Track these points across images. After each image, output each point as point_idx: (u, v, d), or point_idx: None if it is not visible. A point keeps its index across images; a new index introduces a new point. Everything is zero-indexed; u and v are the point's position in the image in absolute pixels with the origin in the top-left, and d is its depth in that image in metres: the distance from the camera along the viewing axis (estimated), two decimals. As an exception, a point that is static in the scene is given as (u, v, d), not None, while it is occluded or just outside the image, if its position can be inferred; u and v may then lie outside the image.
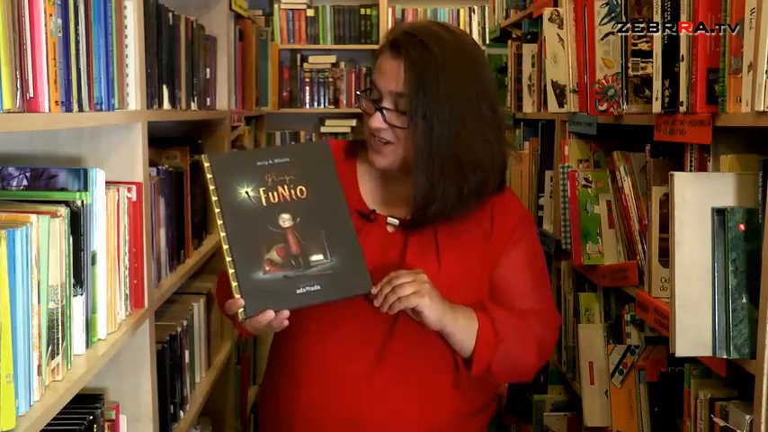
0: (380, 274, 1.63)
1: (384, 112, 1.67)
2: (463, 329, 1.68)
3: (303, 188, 1.62)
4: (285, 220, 1.60)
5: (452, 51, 1.66)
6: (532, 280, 1.80)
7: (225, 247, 1.57)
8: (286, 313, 1.58)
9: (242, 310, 1.56)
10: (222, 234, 1.57)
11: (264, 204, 1.60)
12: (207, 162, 1.61)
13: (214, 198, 1.59)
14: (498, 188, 1.77)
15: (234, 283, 1.56)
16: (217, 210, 1.58)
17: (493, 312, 1.71)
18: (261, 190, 1.60)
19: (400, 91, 1.65)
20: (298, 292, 1.58)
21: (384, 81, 1.68)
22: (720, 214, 1.61)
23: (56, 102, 1.39)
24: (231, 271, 1.56)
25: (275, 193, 1.61)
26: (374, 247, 1.71)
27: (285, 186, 1.62)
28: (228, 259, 1.57)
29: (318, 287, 1.58)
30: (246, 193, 1.60)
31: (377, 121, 1.68)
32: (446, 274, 1.71)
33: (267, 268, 1.57)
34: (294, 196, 1.62)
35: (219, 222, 1.58)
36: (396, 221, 1.76)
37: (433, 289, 1.63)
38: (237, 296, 1.55)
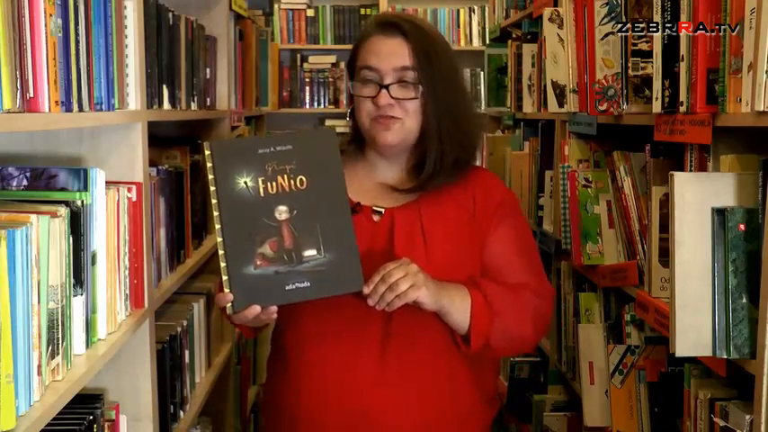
0: (370, 264, 1.64)
1: (389, 88, 1.73)
2: (458, 307, 1.70)
3: (303, 178, 1.61)
4: (281, 212, 1.60)
5: (435, 33, 1.83)
6: (520, 254, 1.83)
7: (219, 239, 1.57)
8: (274, 308, 1.60)
9: (230, 304, 1.57)
10: (218, 226, 1.57)
11: (262, 195, 1.59)
12: (208, 150, 1.60)
13: (212, 188, 1.58)
14: (474, 159, 1.89)
15: (224, 277, 1.56)
16: (214, 201, 1.58)
17: (485, 287, 1.73)
18: (260, 180, 1.59)
19: (406, 65, 1.74)
20: (287, 288, 1.58)
21: (384, 60, 1.75)
22: (720, 214, 1.60)
23: (56, 102, 1.39)
24: (223, 264, 1.57)
25: (274, 184, 1.60)
26: (362, 237, 1.71)
27: (285, 176, 1.60)
28: (221, 252, 1.57)
29: (308, 284, 1.58)
30: (245, 183, 1.59)
31: (384, 97, 1.74)
32: (435, 257, 1.73)
33: (258, 263, 1.57)
34: (293, 187, 1.60)
35: (216, 213, 1.58)
36: (381, 210, 1.78)
37: (426, 276, 1.65)
38: (227, 290, 1.57)
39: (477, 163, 1.93)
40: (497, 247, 1.80)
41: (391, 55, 1.75)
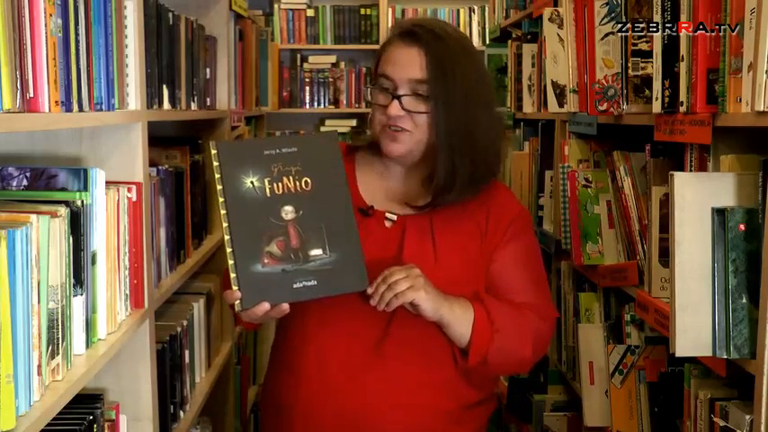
0: (378, 269, 1.65)
1: (401, 99, 1.71)
2: (460, 319, 1.70)
3: (308, 180, 1.63)
4: (288, 212, 1.61)
5: (459, 42, 1.76)
6: (527, 275, 1.82)
7: (226, 237, 1.58)
8: (285, 305, 1.60)
9: (239, 302, 1.57)
10: (225, 224, 1.58)
11: (268, 195, 1.61)
12: (214, 149, 1.61)
13: (219, 187, 1.60)
14: (494, 174, 1.83)
15: (233, 275, 1.57)
16: (221, 199, 1.59)
17: (489, 303, 1.73)
18: (266, 180, 1.61)
19: (420, 78, 1.70)
20: (294, 286, 1.59)
21: (400, 70, 1.72)
22: (720, 214, 1.61)
23: (56, 102, 1.39)
24: (231, 262, 1.57)
25: (280, 185, 1.62)
26: (372, 242, 1.72)
27: (290, 177, 1.62)
28: (229, 250, 1.58)
29: (315, 282, 1.59)
30: (252, 183, 1.60)
31: (395, 108, 1.71)
32: (443, 268, 1.73)
33: (266, 261, 1.58)
34: (299, 188, 1.62)
35: (223, 212, 1.59)
36: (393, 217, 1.78)
37: (427, 281, 1.65)
38: (235, 288, 1.57)
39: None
40: (504, 265, 1.79)
41: (406, 65, 1.71)
